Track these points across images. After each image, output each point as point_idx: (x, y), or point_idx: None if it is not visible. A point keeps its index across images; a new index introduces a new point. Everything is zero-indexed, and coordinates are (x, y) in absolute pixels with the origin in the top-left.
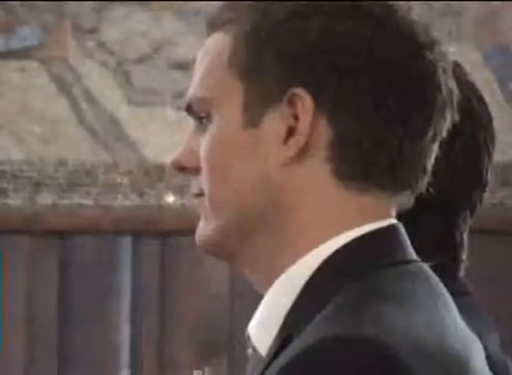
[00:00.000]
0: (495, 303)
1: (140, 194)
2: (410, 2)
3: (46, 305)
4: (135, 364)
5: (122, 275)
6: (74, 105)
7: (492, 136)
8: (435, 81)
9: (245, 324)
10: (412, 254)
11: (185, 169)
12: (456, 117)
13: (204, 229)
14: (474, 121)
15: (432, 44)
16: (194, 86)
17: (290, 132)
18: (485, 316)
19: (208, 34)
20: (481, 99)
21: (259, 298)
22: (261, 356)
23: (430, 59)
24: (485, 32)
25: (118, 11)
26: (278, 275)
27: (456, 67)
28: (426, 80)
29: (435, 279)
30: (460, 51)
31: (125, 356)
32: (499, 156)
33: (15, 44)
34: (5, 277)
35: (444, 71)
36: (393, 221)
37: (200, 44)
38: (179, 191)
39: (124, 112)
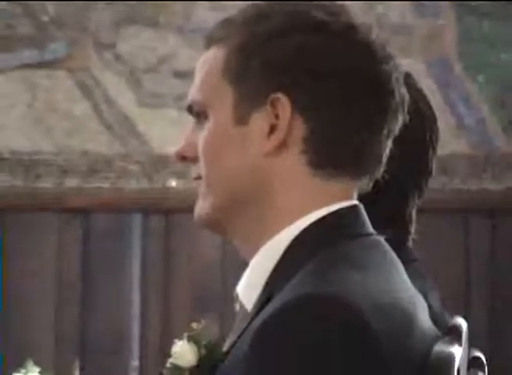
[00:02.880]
0: (436, 267)
1: (149, 179)
2: (370, 23)
3: (71, 271)
4: (144, 317)
5: (133, 245)
6: (95, 106)
7: (437, 133)
8: (389, 88)
9: (233, 285)
10: (370, 228)
11: (186, 158)
12: (407, 118)
13: (201, 206)
14: (422, 121)
15: (387, 58)
16: (194, 90)
17: (272, 128)
18: (427, 279)
19: (205, 48)
20: (427, 103)
21: (245, 264)
22: (247, 312)
23: (386, 70)
24: (429, 47)
25: (131, 29)
26: (262, 244)
27: (407, 76)
28: (383, 88)
29: (389, 249)
30: (408, 63)
31: (135, 311)
32: (439, 150)
33: (47, 56)
34: (37, 248)
35: (397, 80)
36: (355, 202)
37: (198, 56)
38: (181, 176)
39: (135, 112)
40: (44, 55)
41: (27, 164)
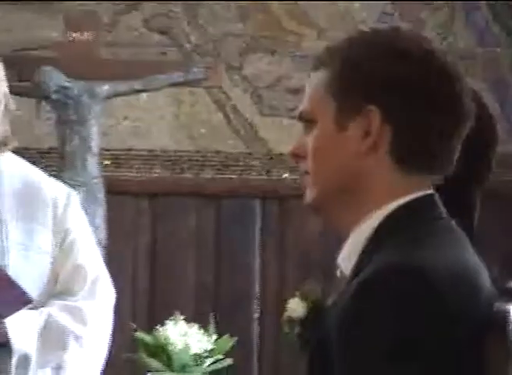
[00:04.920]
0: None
1: (267, 172)
2: (443, 49)
3: (207, 244)
4: (263, 279)
5: (254, 224)
6: (226, 116)
7: (497, 138)
8: (461, 103)
9: (333, 255)
10: (444, 213)
11: (297, 156)
12: (473, 125)
13: (309, 195)
14: (484, 129)
15: (459, 78)
16: (304, 103)
17: (366, 134)
18: (488, 254)
19: (313, 70)
20: (489, 114)
21: (342, 239)
22: (346, 276)
23: (458, 88)
24: (489, 69)
25: (254, 56)
26: (357, 224)
27: (474, 92)
28: (455, 102)
29: (459, 229)
30: (472, 82)
31: (256, 274)
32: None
33: (189, 77)
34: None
35: (466, 95)
36: (431, 191)
37: (306, 77)
38: (292, 170)
39: (257, 120)
40: (188, 77)
41: (174, 160)
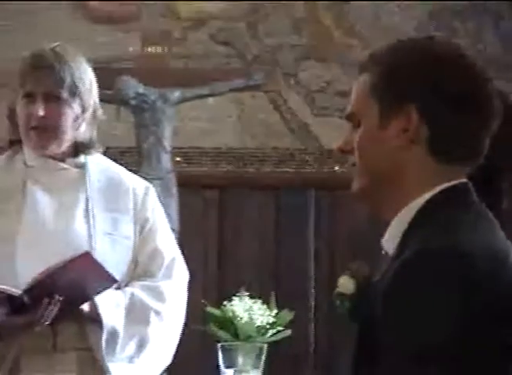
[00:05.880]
0: None
1: (320, 165)
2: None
3: (268, 230)
4: (317, 260)
5: (309, 212)
6: (282, 117)
7: None
8: (490, 102)
9: (379, 238)
10: (476, 199)
11: (344, 151)
12: (499, 122)
13: (356, 185)
14: (509, 125)
15: (489, 80)
16: (351, 105)
17: (405, 130)
18: None
19: (359, 75)
20: None
21: (387, 224)
22: (390, 256)
23: (488, 88)
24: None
25: (307, 63)
26: (399, 210)
27: (501, 93)
28: (485, 101)
29: (489, 213)
30: (499, 84)
31: (311, 256)
32: None
33: (250, 83)
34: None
35: (495, 95)
36: (465, 180)
37: (353, 81)
38: (342, 163)
39: (310, 120)
40: (249, 82)
41: (237, 156)
